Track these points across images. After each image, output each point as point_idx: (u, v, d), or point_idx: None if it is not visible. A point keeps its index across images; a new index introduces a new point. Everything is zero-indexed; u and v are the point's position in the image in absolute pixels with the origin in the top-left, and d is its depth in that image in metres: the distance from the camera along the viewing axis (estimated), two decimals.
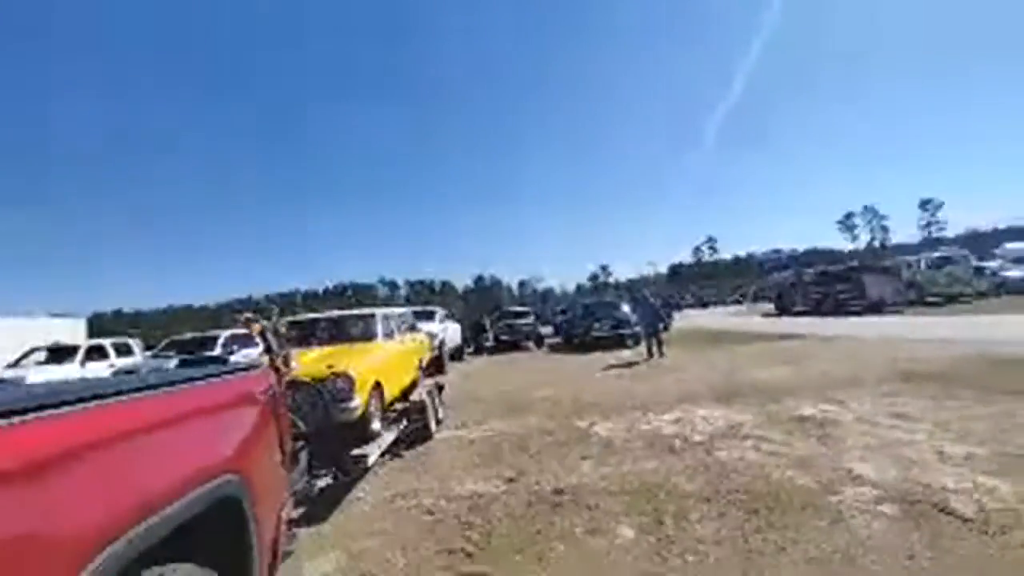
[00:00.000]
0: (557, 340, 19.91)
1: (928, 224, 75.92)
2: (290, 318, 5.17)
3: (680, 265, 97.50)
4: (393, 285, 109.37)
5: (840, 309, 18.95)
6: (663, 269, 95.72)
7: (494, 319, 21.15)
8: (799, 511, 3.06)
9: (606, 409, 6.52)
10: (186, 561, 1.47)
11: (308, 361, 4.16)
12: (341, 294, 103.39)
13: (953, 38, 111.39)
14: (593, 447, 4.93)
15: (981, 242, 43.76)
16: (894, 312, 17.42)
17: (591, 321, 16.14)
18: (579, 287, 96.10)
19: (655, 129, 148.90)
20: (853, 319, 16.55)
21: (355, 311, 6.01)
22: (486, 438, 5.70)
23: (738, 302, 46.74)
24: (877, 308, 18.03)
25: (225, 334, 12.47)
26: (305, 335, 5.19)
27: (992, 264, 22.15)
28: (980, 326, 11.21)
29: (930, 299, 19.19)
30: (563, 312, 23.15)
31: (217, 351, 11.27)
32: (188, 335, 13.24)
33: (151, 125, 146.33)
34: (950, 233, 70.58)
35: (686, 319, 26.19)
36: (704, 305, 47.63)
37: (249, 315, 3.75)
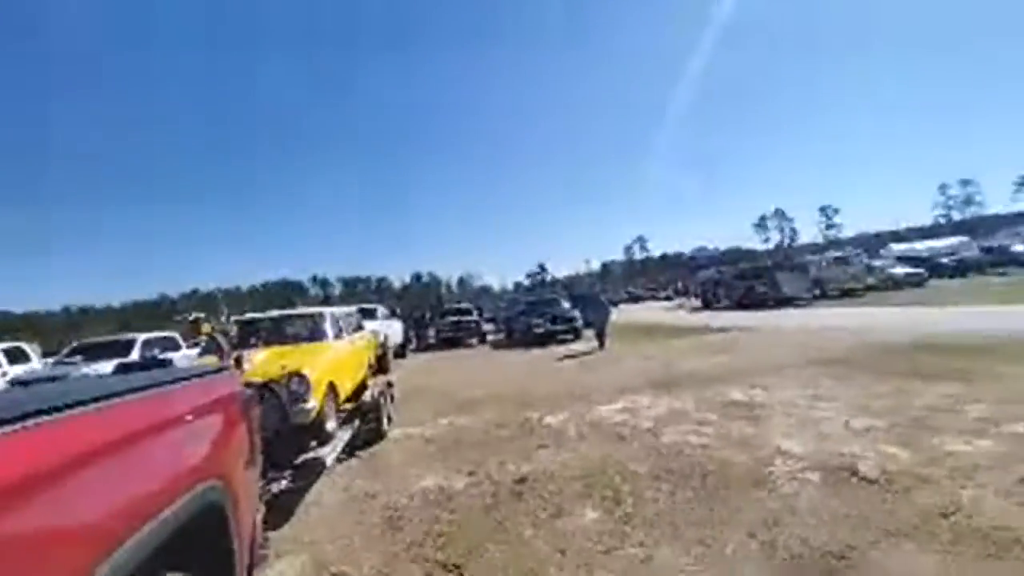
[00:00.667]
0: (499, 337, 20.11)
1: (828, 227, 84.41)
2: (237, 318, 4.88)
3: (612, 262, 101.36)
4: (325, 283, 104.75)
5: (758, 303, 20.67)
6: (597, 266, 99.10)
7: (436, 316, 20.99)
8: (738, 484, 3.40)
9: (554, 401, 6.75)
10: (174, 570, 1.43)
11: (260, 362, 3.97)
12: (271, 293, 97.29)
13: (851, 51, 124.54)
14: (547, 438, 5.12)
15: (871, 243, 49.85)
16: (803, 305, 19.29)
17: (533, 317, 16.46)
18: (518, 284, 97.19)
19: (592, 132, 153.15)
20: (769, 312, 18.12)
21: (304, 310, 5.75)
22: (440, 435, 5.72)
23: (668, 298, 49.45)
24: (789, 302, 19.90)
25: (142, 337, 11.42)
26: (252, 335, 4.92)
27: (880, 262, 25.17)
28: (870, 316, 12.76)
29: (831, 293, 21.44)
30: (505, 309, 23.42)
31: (134, 355, 10.33)
32: (97, 339, 11.97)
33: (53, 111, 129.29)
34: (847, 234, 79.26)
35: (622, 314, 27.37)
36: (636, 300, 49.92)
37: (199, 315, 3.53)
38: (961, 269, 25.53)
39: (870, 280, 21.75)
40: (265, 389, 3.59)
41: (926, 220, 77.44)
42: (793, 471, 3.53)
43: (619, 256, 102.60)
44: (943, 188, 78.18)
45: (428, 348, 18.60)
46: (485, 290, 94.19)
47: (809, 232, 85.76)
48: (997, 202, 74.15)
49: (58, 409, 1.16)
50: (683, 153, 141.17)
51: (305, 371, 3.93)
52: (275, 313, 5.57)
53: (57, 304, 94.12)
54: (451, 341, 18.54)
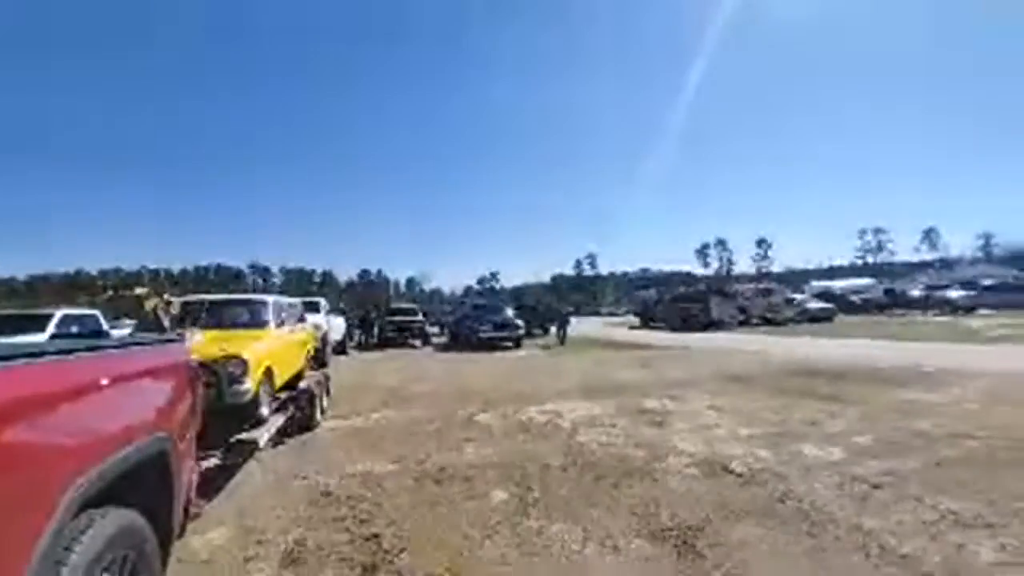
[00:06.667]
0: (444, 340, 20.30)
1: (761, 258, 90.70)
2: (181, 298, 4.91)
3: (561, 276, 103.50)
4: (265, 271, 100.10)
5: (690, 325, 22.12)
6: (546, 278, 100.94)
7: (381, 315, 20.86)
8: (632, 475, 3.92)
9: (487, 401, 7.14)
10: (120, 505, 1.67)
11: (199, 342, 4.09)
12: (202, 277, 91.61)
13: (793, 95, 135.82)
14: (475, 433, 5.50)
15: (796, 278, 54.42)
16: (729, 329, 20.87)
17: (479, 323, 16.81)
18: (468, 289, 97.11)
19: (552, 147, 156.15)
20: (699, 334, 19.47)
21: (248, 296, 5.83)
22: (371, 427, 5.95)
23: (612, 314, 51.37)
24: (717, 325, 21.45)
25: (60, 313, 10.73)
26: (191, 316, 4.96)
27: (799, 296, 27.59)
28: (784, 344, 14.12)
29: (755, 321, 23.31)
30: (451, 312, 23.60)
31: (50, 331, 9.73)
32: (6, 311, 11.11)
33: None
34: (777, 268, 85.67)
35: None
36: (578, 314, 51.38)
37: (143, 290, 3.62)
38: (866, 307, 28.49)
39: (788, 312, 23.82)
40: (204, 369, 3.73)
41: (847, 261, 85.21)
42: (680, 466, 4.11)
43: (568, 270, 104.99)
44: (861, 233, 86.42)
45: (370, 347, 18.48)
46: (435, 293, 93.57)
47: (745, 262, 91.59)
48: (906, 250, 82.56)
49: (65, 352, 1.44)
50: (638, 177, 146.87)
51: (245, 355, 4.10)
52: (219, 296, 5.62)
53: None
54: (394, 341, 18.53)
